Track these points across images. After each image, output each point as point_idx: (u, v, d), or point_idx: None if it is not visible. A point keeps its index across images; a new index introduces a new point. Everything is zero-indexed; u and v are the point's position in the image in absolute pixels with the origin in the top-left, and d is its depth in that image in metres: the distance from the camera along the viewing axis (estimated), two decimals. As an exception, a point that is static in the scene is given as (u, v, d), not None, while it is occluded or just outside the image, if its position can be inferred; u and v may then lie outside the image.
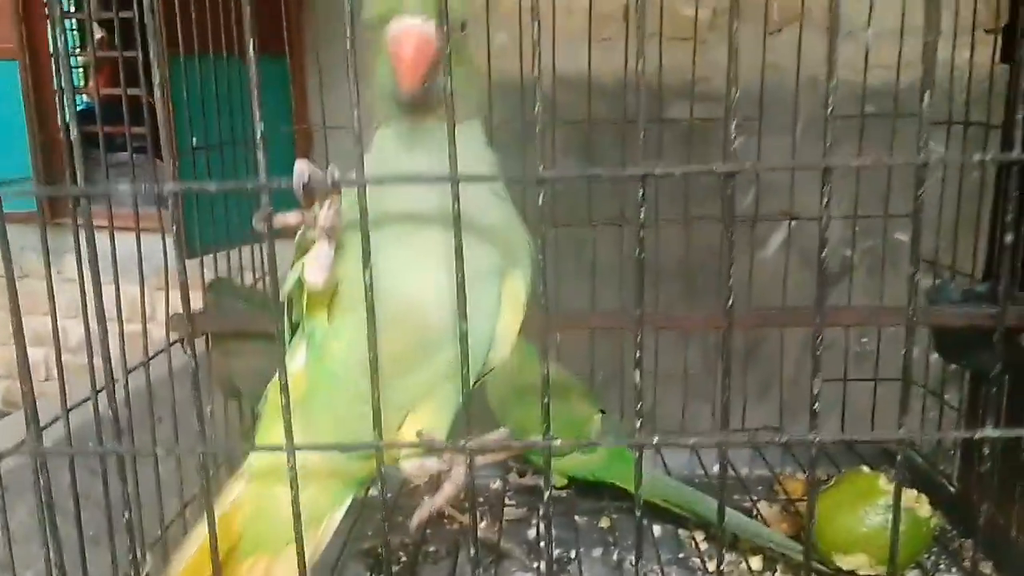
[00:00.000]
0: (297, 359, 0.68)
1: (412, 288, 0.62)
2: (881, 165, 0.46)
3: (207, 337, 1.02)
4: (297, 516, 0.48)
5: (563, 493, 1.16)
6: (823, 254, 0.47)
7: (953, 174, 1.21)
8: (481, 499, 1.18)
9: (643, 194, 0.47)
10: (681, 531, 1.11)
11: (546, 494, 0.49)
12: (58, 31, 0.53)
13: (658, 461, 1.23)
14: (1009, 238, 0.55)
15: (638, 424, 0.50)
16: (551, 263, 1.29)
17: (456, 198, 0.44)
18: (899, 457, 0.51)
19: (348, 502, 0.71)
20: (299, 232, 0.60)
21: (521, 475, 1.22)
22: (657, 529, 1.11)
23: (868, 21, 1.30)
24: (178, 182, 0.44)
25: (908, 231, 1.25)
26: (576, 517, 1.13)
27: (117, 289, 0.84)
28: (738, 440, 0.50)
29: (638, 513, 0.50)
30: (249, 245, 1.17)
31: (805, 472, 1.20)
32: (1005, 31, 1.70)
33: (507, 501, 1.17)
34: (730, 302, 0.47)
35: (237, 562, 0.69)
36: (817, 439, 0.52)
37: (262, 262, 1.15)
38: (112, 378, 0.51)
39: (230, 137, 1.11)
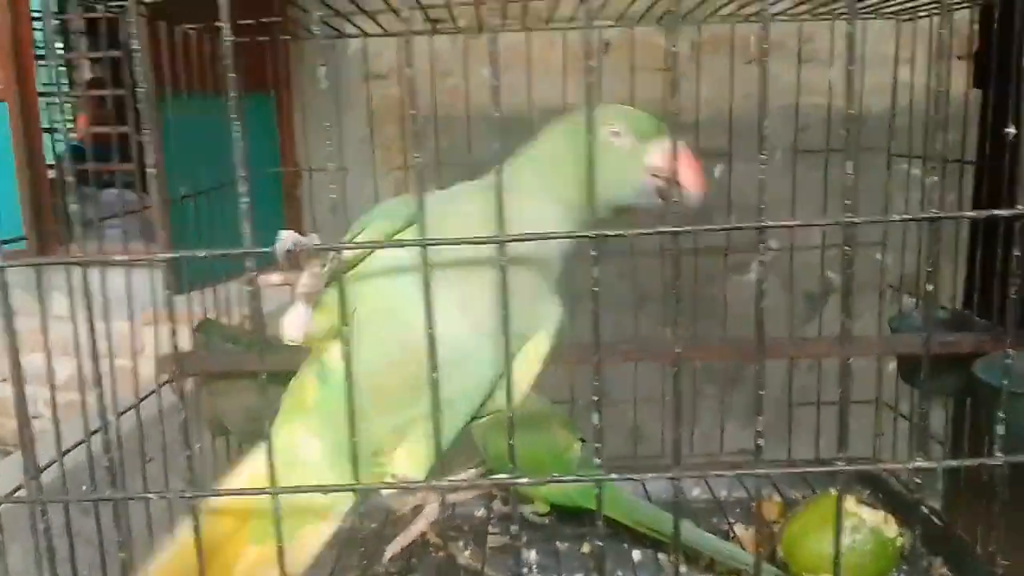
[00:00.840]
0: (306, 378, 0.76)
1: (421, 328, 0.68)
2: (814, 225, 0.51)
3: (195, 377, 1.06)
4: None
5: (545, 520, 1.19)
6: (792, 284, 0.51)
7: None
8: (465, 527, 1.20)
9: (596, 256, 0.51)
10: (661, 555, 1.14)
11: (513, 527, 0.53)
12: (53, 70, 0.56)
13: (639, 486, 1.26)
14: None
15: (598, 462, 0.54)
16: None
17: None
18: (838, 487, 0.55)
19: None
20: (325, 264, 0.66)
21: (505, 503, 1.25)
22: (637, 554, 1.14)
23: (832, 54, 1.36)
24: (169, 247, 0.48)
25: (888, 252, 1.30)
26: (558, 543, 1.16)
27: (108, 329, 0.87)
28: (690, 474, 0.54)
29: (599, 543, 0.54)
30: (237, 280, 1.21)
31: (781, 495, 1.24)
32: (976, 57, 1.77)
33: (491, 529, 1.20)
34: (677, 347, 0.51)
35: (239, 545, 0.73)
36: (764, 471, 0.56)
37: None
38: (105, 419, 0.54)
39: (217, 176, 1.15)
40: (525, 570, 1.11)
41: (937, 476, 1.74)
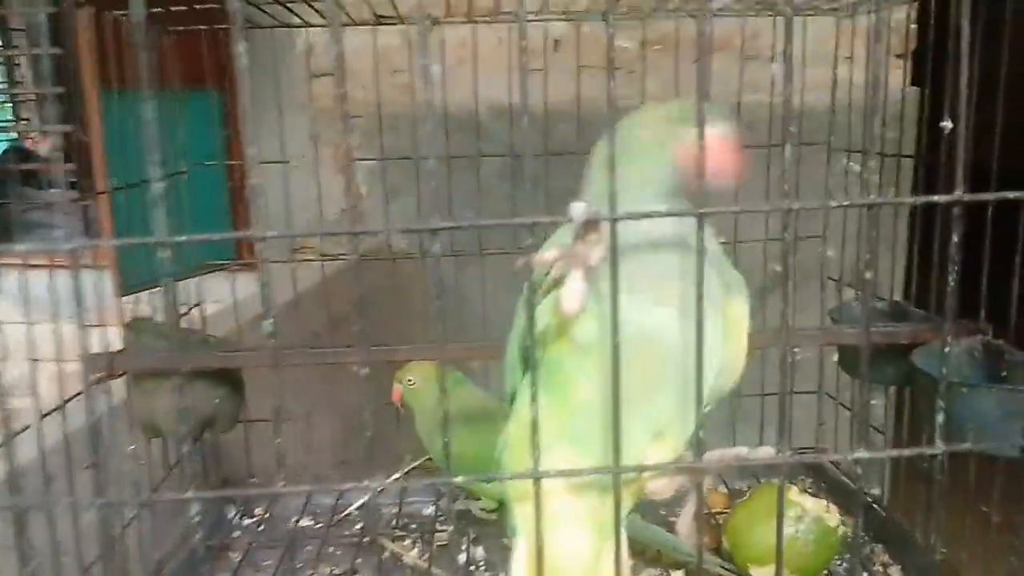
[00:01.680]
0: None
1: (653, 319, 0.67)
2: (756, 211, 0.50)
3: (126, 377, 1.02)
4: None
5: (493, 516, 1.17)
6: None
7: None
8: (413, 525, 1.19)
9: (532, 241, 0.50)
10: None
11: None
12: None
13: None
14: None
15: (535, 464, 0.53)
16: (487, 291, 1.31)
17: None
18: (781, 479, 0.55)
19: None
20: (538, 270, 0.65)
21: (454, 500, 1.24)
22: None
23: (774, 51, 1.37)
24: (81, 239, 0.45)
25: (835, 247, 1.31)
26: (505, 540, 1.15)
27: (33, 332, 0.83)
28: (626, 468, 0.53)
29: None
30: (184, 280, 1.18)
31: (726, 486, 1.25)
32: (915, 56, 1.81)
33: (438, 527, 1.18)
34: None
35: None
36: (701, 466, 0.56)
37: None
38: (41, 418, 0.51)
39: (160, 172, 1.11)
40: (472, 567, 1.09)
41: (880, 465, 1.77)
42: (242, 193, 2.27)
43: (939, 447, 0.63)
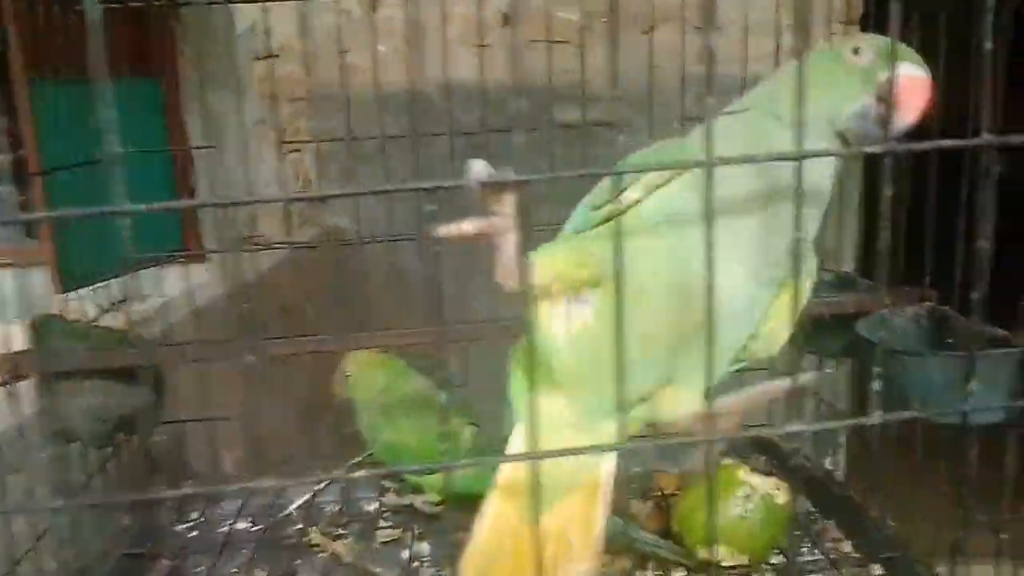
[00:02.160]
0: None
1: (690, 269, 0.66)
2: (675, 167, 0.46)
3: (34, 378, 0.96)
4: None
5: (437, 509, 1.13)
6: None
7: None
8: (354, 523, 1.14)
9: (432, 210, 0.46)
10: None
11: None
12: None
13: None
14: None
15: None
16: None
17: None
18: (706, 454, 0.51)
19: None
20: None
21: (397, 494, 1.19)
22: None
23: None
24: (53, 240, 0.40)
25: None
26: (450, 534, 1.11)
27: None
28: (549, 454, 0.49)
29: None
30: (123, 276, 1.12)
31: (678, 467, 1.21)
32: (863, 21, 1.79)
33: (381, 523, 1.14)
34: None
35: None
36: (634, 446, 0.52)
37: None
38: None
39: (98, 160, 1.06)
40: (416, 563, 1.05)
41: (832, 439, 1.76)
42: (187, 182, 2.20)
43: (875, 417, 0.60)
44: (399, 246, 1.52)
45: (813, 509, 1.10)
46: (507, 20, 2.11)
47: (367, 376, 1.12)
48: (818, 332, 1.04)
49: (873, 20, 1.27)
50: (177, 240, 2.18)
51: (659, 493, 1.16)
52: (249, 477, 1.22)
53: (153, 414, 1.04)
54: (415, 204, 0.49)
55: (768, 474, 0.99)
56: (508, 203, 0.58)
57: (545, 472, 0.63)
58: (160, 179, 2.09)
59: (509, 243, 0.60)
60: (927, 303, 1.00)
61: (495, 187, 0.56)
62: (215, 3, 1.28)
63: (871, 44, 0.68)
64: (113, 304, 1.17)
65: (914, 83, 0.66)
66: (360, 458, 1.17)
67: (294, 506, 1.17)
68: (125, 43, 1.26)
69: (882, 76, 0.66)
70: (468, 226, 0.59)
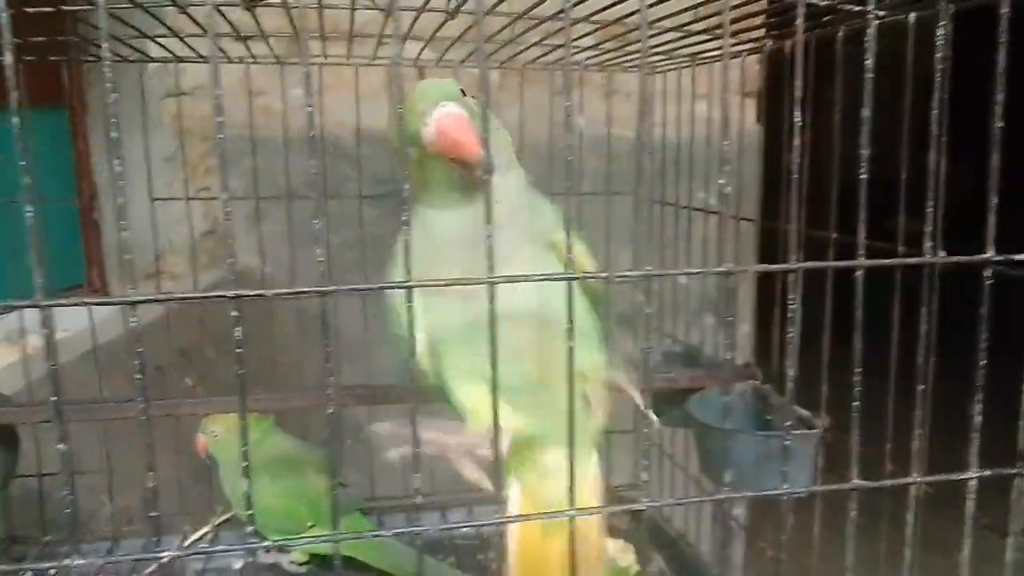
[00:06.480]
0: None
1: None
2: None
3: None
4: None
5: (303, 570, 1.10)
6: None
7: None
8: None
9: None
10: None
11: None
12: None
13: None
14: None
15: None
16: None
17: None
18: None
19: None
20: None
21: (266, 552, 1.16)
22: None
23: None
24: None
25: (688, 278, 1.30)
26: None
27: None
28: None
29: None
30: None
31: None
32: (760, 95, 1.85)
33: (248, 584, 1.10)
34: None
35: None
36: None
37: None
38: None
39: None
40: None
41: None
42: (91, 218, 2.14)
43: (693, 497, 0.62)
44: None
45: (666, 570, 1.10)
46: (422, 73, 2.13)
47: (231, 436, 1.09)
48: (659, 401, 1.06)
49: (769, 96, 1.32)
50: (81, 275, 2.11)
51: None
52: (143, 531, 1.18)
53: (4, 470, 0.99)
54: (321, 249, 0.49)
55: (614, 536, 1.00)
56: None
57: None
58: (66, 212, 2.03)
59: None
60: (753, 381, 1.07)
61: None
62: (125, 61, 1.25)
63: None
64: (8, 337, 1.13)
65: (446, 121, 0.68)
66: (225, 517, 1.14)
67: (158, 563, 1.12)
68: (28, 70, 1.22)
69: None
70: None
